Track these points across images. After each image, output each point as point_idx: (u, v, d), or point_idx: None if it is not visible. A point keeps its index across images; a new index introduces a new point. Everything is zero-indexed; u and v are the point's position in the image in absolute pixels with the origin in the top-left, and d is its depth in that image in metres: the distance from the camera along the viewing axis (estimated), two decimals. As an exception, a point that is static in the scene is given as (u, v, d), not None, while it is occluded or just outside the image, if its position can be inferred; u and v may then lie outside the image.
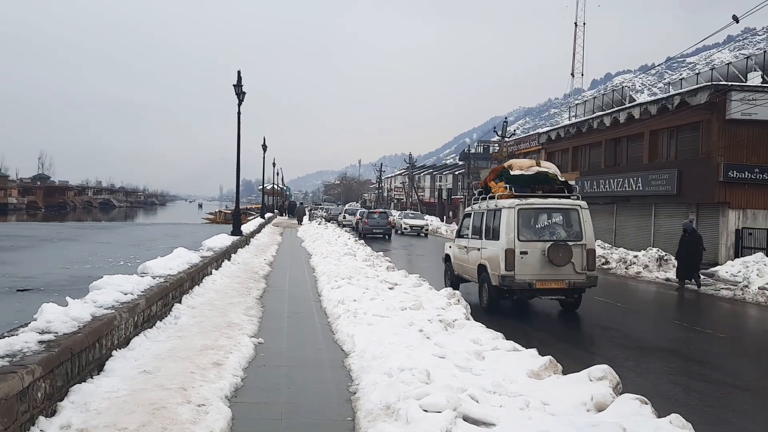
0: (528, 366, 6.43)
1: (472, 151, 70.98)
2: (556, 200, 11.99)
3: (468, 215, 13.94)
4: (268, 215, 50.02)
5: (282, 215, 66.03)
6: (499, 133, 41.90)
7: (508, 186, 12.37)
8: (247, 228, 26.42)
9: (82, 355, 5.27)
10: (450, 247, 14.95)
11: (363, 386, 5.98)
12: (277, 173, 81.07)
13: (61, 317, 5.49)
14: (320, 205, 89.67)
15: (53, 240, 26.64)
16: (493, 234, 11.90)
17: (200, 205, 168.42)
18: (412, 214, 47.34)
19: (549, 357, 6.49)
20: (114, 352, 6.19)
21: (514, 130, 54.91)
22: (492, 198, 12.66)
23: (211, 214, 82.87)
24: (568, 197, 12.22)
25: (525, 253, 11.23)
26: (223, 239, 17.53)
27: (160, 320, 8.23)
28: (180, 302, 9.55)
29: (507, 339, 7.82)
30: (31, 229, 39.86)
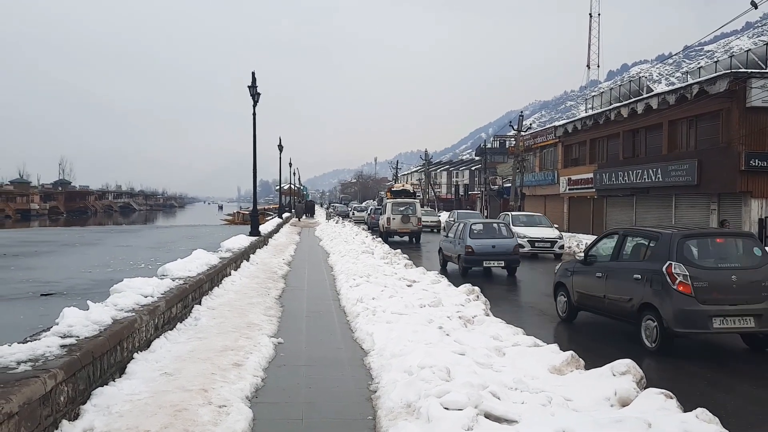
0: (549, 361, 6.37)
1: (488, 146, 70.43)
2: (407, 199, 30.43)
3: (382, 206, 34.78)
4: (285, 215, 50.19)
5: (298, 217, 57.82)
6: (515, 127, 41.60)
7: (391, 194, 31.95)
8: (265, 228, 26.55)
9: (103, 359, 5.31)
10: (379, 220, 32.00)
11: (383, 385, 5.96)
12: (294, 173, 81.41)
13: (82, 321, 5.53)
14: (333, 203, 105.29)
15: (75, 245, 27.02)
16: (384, 212, 30.23)
17: (220, 207, 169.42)
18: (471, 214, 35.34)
19: (570, 352, 6.42)
20: (135, 355, 6.23)
21: (531, 124, 54.59)
22: (386, 198, 33.07)
23: (229, 215, 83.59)
24: (413, 198, 31.54)
25: (394, 219, 28.60)
26: (241, 240, 17.61)
27: (180, 322, 8.28)
28: (200, 303, 9.60)
29: (527, 335, 7.76)
30: (54, 234, 40.44)
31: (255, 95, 22.30)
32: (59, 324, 5.46)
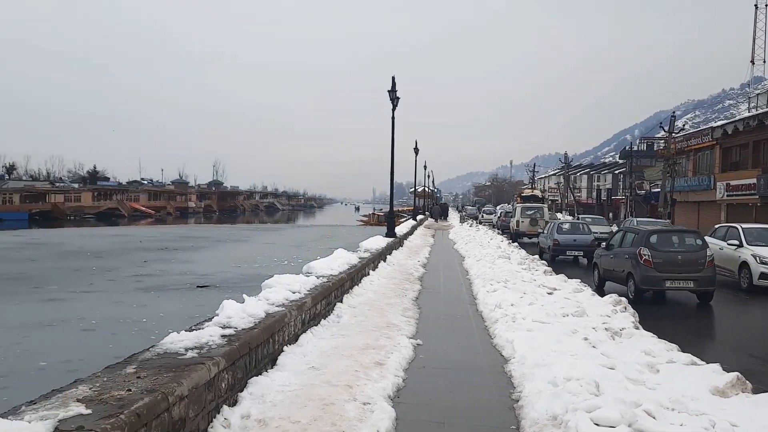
0: (710, 382, 5.86)
1: (635, 148, 66.51)
2: (535, 204, 34.20)
3: (512, 210, 38.11)
4: (419, 217, 50.66)
5: (434, 219, 57.77)
6: (666, 128, 38.89)
7: (521, 199, 37.49)
8: (400, 230, 26.91)
9: (258, 350, 5.63)
10: (510, 223, 34.49)
11: (526, 394, 5.79)
12: (428, 176, 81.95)
13: (239, 313, 5.90)
14: (466, 206, 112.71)
15: (226, 241, 29.09)
16: (514, 215, 33.87)
17: (357, 208, 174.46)
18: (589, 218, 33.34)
19: (736, 373, 5.87)
20: (284, 348, 6.55)
21: (683, 125, 50.79)
22: (516, 203, 38.22)
23: (364, 216, 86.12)
24: (541, 203, 35.68)
25: (523, 221, 31.77)
26: (378, 241, 17.96)
27: (324, 318, 8.59)
28: (341, 302, 9.91)
29: (683, 351, 7.20)
30: (208, 231, 43.82)
31: (394, 99, 22.72)
32: (219, 315, 5.87)
